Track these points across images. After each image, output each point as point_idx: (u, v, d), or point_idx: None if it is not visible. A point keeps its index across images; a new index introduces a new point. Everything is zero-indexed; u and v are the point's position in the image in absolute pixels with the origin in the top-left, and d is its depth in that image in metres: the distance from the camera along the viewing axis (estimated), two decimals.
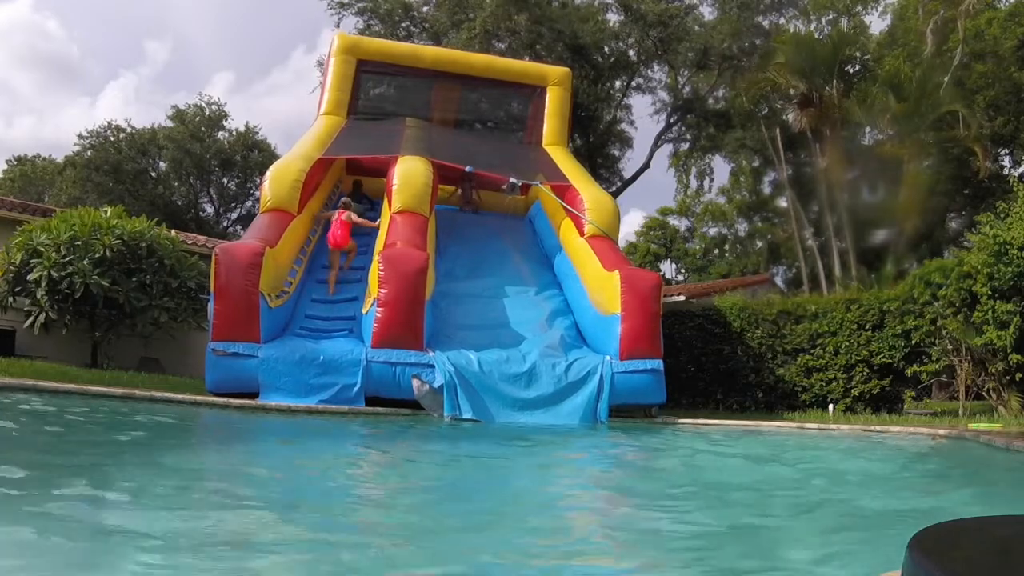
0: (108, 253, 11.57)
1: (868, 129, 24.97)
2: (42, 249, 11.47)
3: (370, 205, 14.54)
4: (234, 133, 37.14)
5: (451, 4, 27.15)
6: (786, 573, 3.02)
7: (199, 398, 8.76)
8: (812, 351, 12.73)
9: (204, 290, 12.06)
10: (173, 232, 13.70)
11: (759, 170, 32.43)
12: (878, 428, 9.37)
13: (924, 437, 8.60)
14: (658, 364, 10.33)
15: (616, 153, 31.02)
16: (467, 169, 14.14)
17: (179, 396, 8.54)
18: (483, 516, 4.04)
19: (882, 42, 27.21)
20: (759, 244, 36.40)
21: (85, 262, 11.38)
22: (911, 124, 21.35)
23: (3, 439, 5.12)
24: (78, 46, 66.00)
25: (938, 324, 11.44)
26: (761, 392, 13.02)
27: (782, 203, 30.40)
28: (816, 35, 26.92)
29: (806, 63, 22.06)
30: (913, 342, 11.81)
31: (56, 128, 61.15)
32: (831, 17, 29.23)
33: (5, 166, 39.58)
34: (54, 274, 11.26)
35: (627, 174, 30.98)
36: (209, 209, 38.12)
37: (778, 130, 25.42)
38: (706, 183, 34.21)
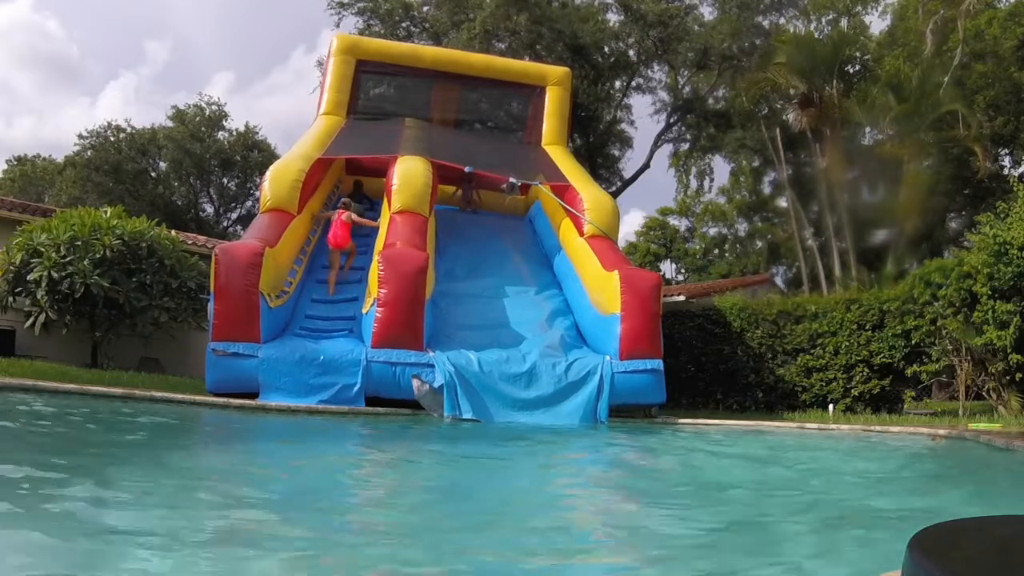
0: (108, 253, 11.57)
1: (868, 129, 24.98)
2: (42, 249, 11.47)
3: (370, 205, 14.54)
4: (234, 133, 37.16)
5: (451, 4, 27.16)
6: (784, 572, 3.02)
7: (199, 398, 8.76)
8: (812, 351, 12.73)
9: (204, 290, 12.06)
10: (173, 232, 13.71)
11: (759, 170, 32.44)
12: (878, 428, 9.38)
13: (924, 437, 8.60)
14: (658, 364, 10.33)
15: (616, 153, 31.06)
16: (467, 169, 14.15)
17: (179, 396, 8.54)
18: (483, 516, 4.04)
19: (882, 42, 27.21)
20: (759, 244, 36.40)
21: (85, 262, 11.38)
22: (911, 124, 21.35)
23: (3, 439, 5.12)
24: (78, 46, 66.05)
25: (938, 324, 11.44)
26: (761, 392, 13.02)
27: (782, 203, 30.42)
28: (816, 35, 26.92)
29: (806, 63, 22.06)
30: (913, 342, 11.82)
31: (56, 128, 61.20)
32: (831, 17, 29.24)
33: (5, 166, 39.63)
34: (54, 274, 11.27)
35: (627, 174, 31.03)
36: (209, 209, 38.15)
37: (778, 130, 25.42)
38: (706, 183, 34.26)
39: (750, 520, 4.12)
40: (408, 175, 12.27)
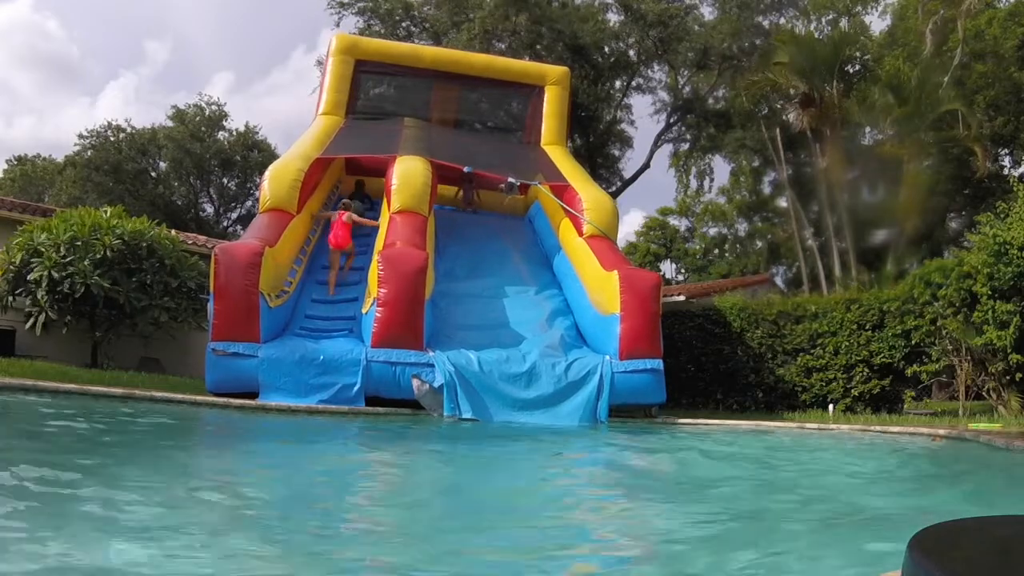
0: (108, 253, 11.57)
1: (868, 129, 24.97)
2: (42, 249, 11.47)
3: (370, 204, 14.55)
4: (234, 133, 37.17)
5: (451, 4, 27.16)
6: (783, 571, 3.02)
7: (199, 398, 8.76)
8: (812, 351, 12.73)
9: (204, 290, 12.06)
10: (173, 232, 13.71)
11: (759, 170, 32.43)
12: (878, 428, 9.37)
13: (924, 437, 8.59)
14: (658, 364, 10.33)
15: (616, 153, 31.06)
16: (466, 169, 14.15)
17: (179, 396, 8.54)
18: (483, 516, 4.04)
19: (882, 42, 27.21)
20: (759, 244, 36.39)
21: (86, 262, 11.38)
22: (911, 124, 21.35)
23: (3, 440, 5.12)
24: (78, 46, 66.05)
25: (938, 324, 11.43)
26: (761, 392, 13.02)
27: (782, 203, 30.40)
28: (816, 35, 26.92)
29: (807, 63, 22.05)
30: (913, 342, 11.81)
31: (56, 128, 61.20)
32: (831, 17, 29.24)
33: (5, 166, 39.63)
34: (54, 274, 11.26)
35: (627, 174, 31.03)
36: (209, 209, 38.15)
37: (778, 130, 25.41)
38: (706, 183, 34.25)
39: (749, 519, 4.12)
40: (407, 175, 12.27)
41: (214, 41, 68.83)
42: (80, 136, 34.82)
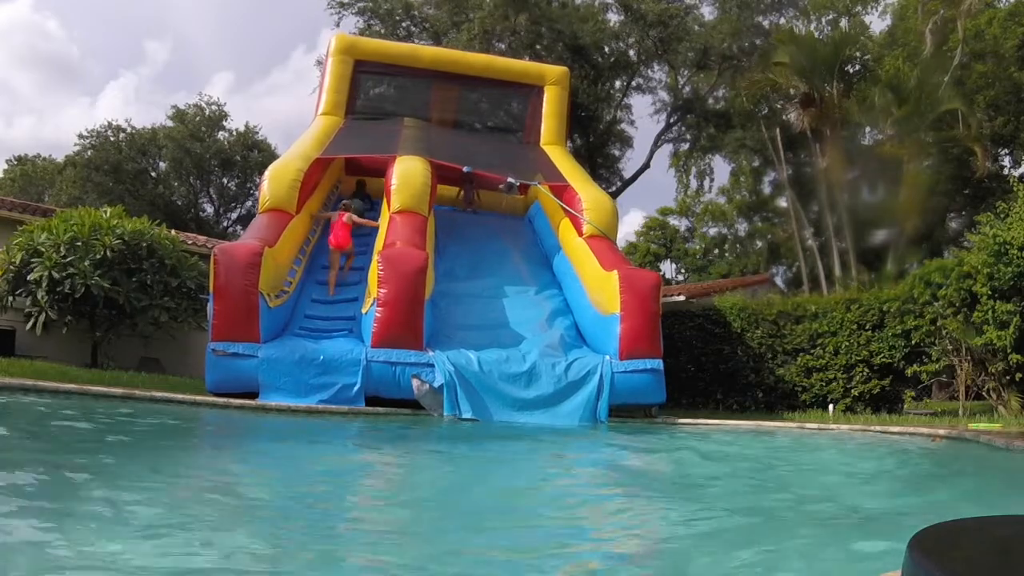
0: (108, 253, 11.57)
1: (868, 129, 24.97)
2: (43, 249, 11.47)
3: (370, 204, 14.55)
4: (234, 133, 37.17)
5: (451, 4, 27.16)
6: (779, 570, 3.02)
7: (199, 398, 8.76)
8: (812, 351, 12.72)
9: (204, 290, 12.06)
10: (173, 232, 13.71)
11: (759, 170, 32.43)
12: (878, 428, 9.37)
13: (924, 437, 8.59)
14: (658, 364, 10.32)
15: (616, 153, 31.06)
16: (465, 169, 14.14)
17: (179, 396, 8.54)
18: (483, 516, 4.04)
19: (882, 42, 27.21)
20: (759, 244, 36.39)
21: (86, 263, 11.37)
22: (911, 124, 21.35)
23: (3, 440, 5.12)
24: (78, 46, 66.05)
25: (938, 324, 11.43)
26: (761, 392, 13.01)
27: (782, 203, 30.40)
28: (816, 35, 26.92)
29: (807, 63, 22.05)
30: (913, 342, 11.81)
31: (56, 128, 61.21)
32: (831, 17, 29.24)
33: (5, 166, 39.64)
34: (55, 274, 11.26)
35: (627, 174, 31.03)
36: (209, 209, 38.16)
37: (778, 130, 25.41)
38: (706, 183, 34.25)
39: (747, 519, 4.12)
40: (407, 175, 12.27)
41: (214, 41, 68.86)
42: (80, 136, 34.87)
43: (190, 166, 35.52)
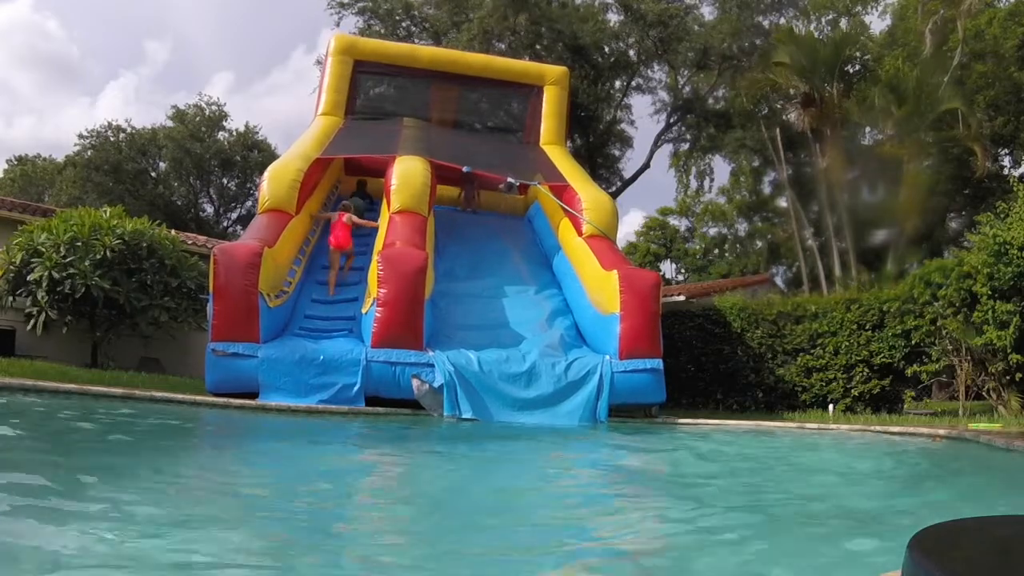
0: (108, 253, 11.57)
1: (868, 129, 24.98)
2: (43, 249, 11.47)
3: (370, 204, 14.55)
4: (234, 133, 37.18)
5: (451, 4, 27.16)
6: (776, 570, 3.02)
7: (199, 398, 8.76)
8: (812, 351, 12.73)
9: (204, 290, 12.06)
10: (173, 232, 13.71)
11: (759, 170, 32.43)
12: (878, 428, 9.37)
13: (924, 437, 8.59)
14: (658, 363, 10.32)
15: (616, 153, 31.07)
16: (465, 169, 14.14)
17: (179, 396, 8.54)
18: (483, 515, 4.04)
19: (882, 42, 27.21)
20: (759, 244, 36.40)
21: (86, 263, 11.38)
22: (911, 124, 21.35)
23: (4, 440, 5.12)
24: (78, 46, 66.09)
25: (938, 324, 11.43)
26: (761, 392, 13.02)
27: (782, 203, 30.41)
28: (816, 35, 26.92)
29: (807, 63, 22.05)
30: (913, 342, 11.81)
31: (56, 128, 61.25)
32: (831, 17, 29.24)
33: (5, 166, 39.67)
34: (55, 274, 11.27)
35: (627, 174, 31.04)
36: (209, 209, 38.17)
37: (778, 130, 25.42)
38: (706, 183, 34.26)
39: (745, 519, 4.12)
40: (407, 175, 12.27)
41: (214, 41, 68.90)
42: (80, 136, 34.90)
43: (190, 166, 35.54)
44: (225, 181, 37.63)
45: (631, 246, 42.26)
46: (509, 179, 13.53)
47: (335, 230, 12.21)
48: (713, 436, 9.05)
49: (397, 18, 28.11)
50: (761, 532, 3.79)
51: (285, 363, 9.47)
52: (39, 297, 11.38)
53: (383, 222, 12.30)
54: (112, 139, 34.89)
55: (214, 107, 37.10)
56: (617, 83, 29.31)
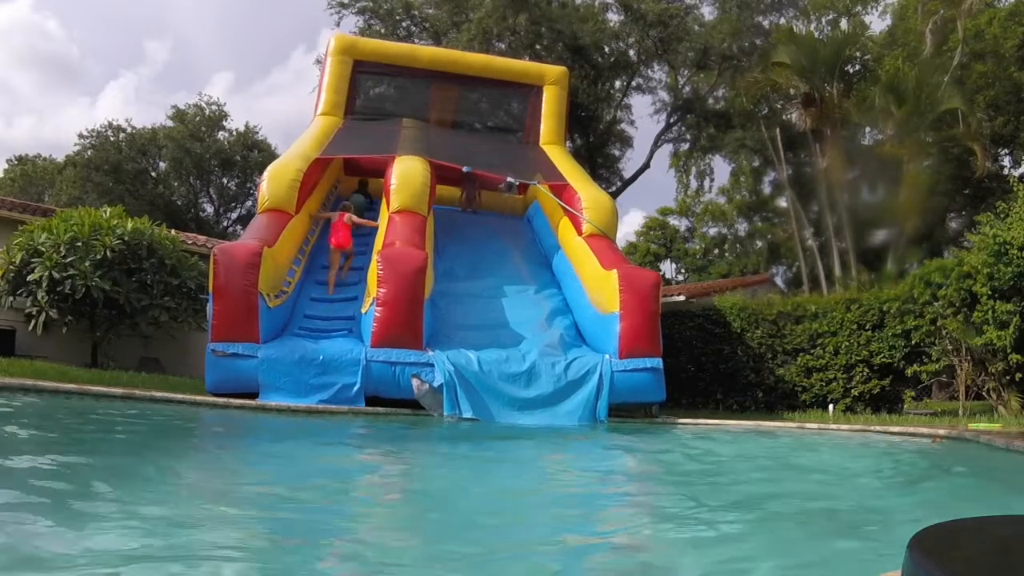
0: (108, 254, 11.57)
1: (868, 129, 24.98)
2: (43, 249, 11.47)
3: (369, 203, 14.55)
4: (234, 133, 37.19)
5: (451, 4, 27.16)
6: (778, 569, 3.02)
7: (199, 398, 8.75)
8: (812, 351, 12.73)
9: (204, 290, 12.06)
10: (173, 232, 13.71)
11: (759, 170, 32.43)
12: (878, 428, 9.37)
13: (924, 437, 8.59)
14: (657, 362, 10.32)
15: (616, 153, 31.06)
16: (465, 169, 14.14)
17: (179, 396, 8.54)
18: (482, 515, 4.04)
19: (882, 42, 27.21)
20: (759, 244, 36.41)
21: (86, 264, 11.38)
22: (911, 124, 21.35)
23: (4, 440, 5.12)
24: (78, 46, 66.12)
25: (938, 324, 11.43)
26: (761, 392, 13.02)
27: (782, 203, 30.41)
28: (816, 35, 26.92)
29: (807, 63, 22.05)
30: (913, 342, 11.81)
31: (56, 128, 61.28)
32: (831, 17, 29.24)
33: (5, 166, 39.69)
34: (55, 274, 11.26)
35: (627, 174, 31.03)
36: (209, 209, 38.18)
37: (778, 130, 25.42)
38: (706, 183, 34.24)
39: (746, 518, 4.12)
40: (406, 175, 12.28)
41: (214, 41, 68.92)
42: (80, 136, 34.91)
43: (190, 166, 35.54)
44: (225, 181, 37.64)
45: (631, 246, 42.27)
46: (509, 179, 13.53)
47: (336, 230, 12.21)
48: (713, 436, 9.05)
49: (397, 18, 28.11)
50: (758, 531, 3.79)
51: (285, 363, 9.47)
52: (39, 297, 11.38)
53: (383, 222, 12.30)
54: (112, 139, 34.90)
55: (214, 107, 37.14)
56: (617, 83, 29.30)
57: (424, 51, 18.00)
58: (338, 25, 27.35)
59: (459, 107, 17.96)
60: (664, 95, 29.84)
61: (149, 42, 66.06)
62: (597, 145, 29.26)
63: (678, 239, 43.48)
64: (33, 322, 11.58)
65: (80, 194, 31.94)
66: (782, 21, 28.56)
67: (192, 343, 13.01)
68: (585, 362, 10.20)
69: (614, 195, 26.86)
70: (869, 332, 12.34)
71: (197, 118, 36.43)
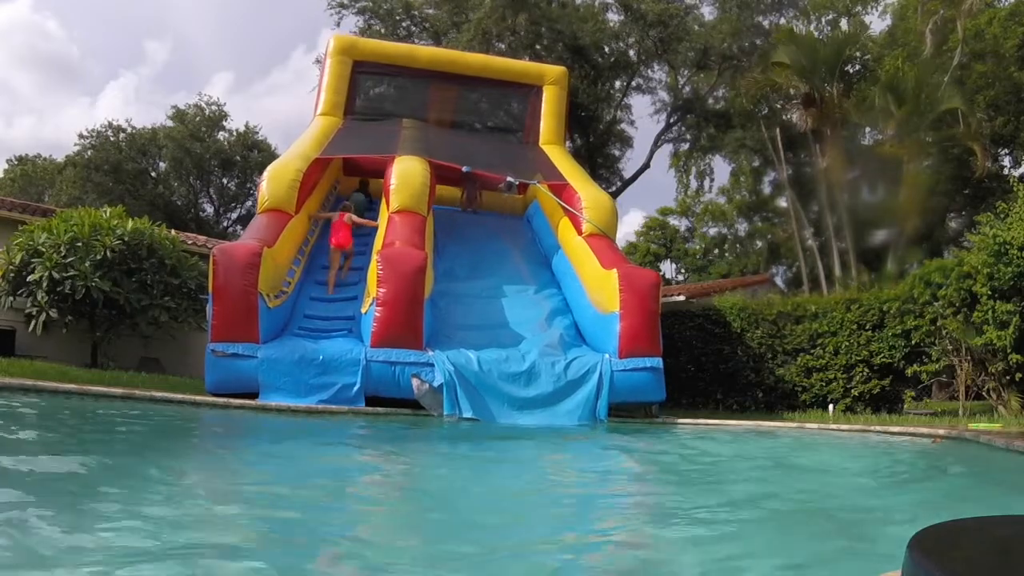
0: (108, 254, 11.57)
1: (868, 129, 24.98)
2: (43, 249, 11.47)
3: (368, 203, 14.55)
4: (234, 133, 37.19)
5: (451, 4, 27.16)
6: (777, 569, 3.02)
7: (199, 398, 8.75)
8: (812, 351, 12.73)
9: (204, 290, 12.05)
10: (173, 232, 13.71)
11: (759, 170, 32.44)
12: (878, 428, 9.37)
13: (924, 437, 8.59)
14: (657, 362, 10.32)
15: (616, 153, 31.06)
16: (464, 169, 14.14)
17: (179, 396, 8.54)
18: (482, 515, 4.04)
19: (882, 42, 27.21)
20: (759, 244, 36.41)
21: (87, 264, 11.37)
22: (911, 124, 21.35)
23: (5, 440, 5.12)
24: (78, 46, 66.11)
25: (938, 324, 11.43)
26: (761, 392, 13.02)
27: (782, 203, 30.42)
28: (816, 35, 26.93)
29: (807, 63, 22.05)
30: (913, 342, 11.81)
31: (56, 128, 61.29)
32: (831, 17, 29.25)
33: (5, 166, 39.68)
34: (55, 275, 11.26)
35: (627, 174, 31.04)
36: (209, 209, 38.18)
37: (778, 130, 25.42)
38: (706, 183, 34.26)
39: (745, 518, 4.12)
40: (406, 175, 12.27)
41: (214, 41, 68.92)
42: (80, 136, 34.91)
43: (190, 166, 35.55)
44: (225, 181, 37.64)
45: (631, 246, 42.27)
46: (508, 178, 13.53)
47: (336, 229, 12.21)
48: (713, 436, 9.04)
49: (397, 18, 28.11)
50: (757, 531, 3.79)
51: (285, 363, 9.47)
52: (39, 297, 11.38)
53: (382, 222, 12.30)
54: (112, 139, 34.91)
55: (214, 107, 37.14)
56: (617, 83, 29.30)
57: (423, 51, 18.00)
58: (338, 25, 27.39)
59: (459, 107, 17.96)
60: (664, 95, 29.88)
61: (149, 42, 66.11)
62: (597, 145, 29.26)
63: (678, 239, 43.49)
64: (33, 322, 11.58)
65: (80, 194, 31.94)
66: (782, 21, 28.59)
67: (192, 343, 13.01)
68: (585, 362, 10.20)
69: (614, 195, 26.86)
70: (869, 332, 12.34)
71: (197, 118, 36.43)
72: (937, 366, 11.50)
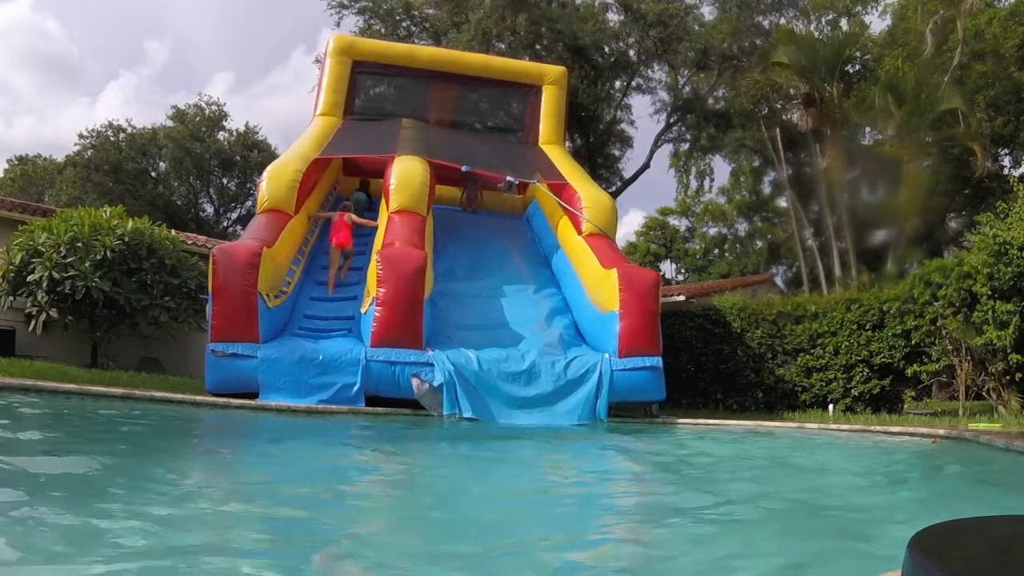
0: (109, 254, 11.57)
1: (868, 129, 24.98)
2: (43, 249, 11.47)
3: (368, 203, 14.55)
4: (234, 133, 37.18)
5: (451, 4, 27.16)
6: (777, 569, 3.02)
7: (199, 398, 8.75)
8: (812, 351, 12.73)
9: (204, 290, 12.05)
10: (173, 232, 13.71)
11: (759, 170, 32.44)
12: (878, 428, 9.37)
13: (924, 437, 8.59)
14: (657, 361, 10.32)
15: (616, 153, 31.07)
16: (464, 169, 14.13)
17: (179, 396, 8.54)
18: (482, 515, 4.04)
19: (882, 42, 27.21)
20: (759, 244, 36.41)
21: (87, 264, 11.37)
22: (911, 124, 21.35)
23: (5, 441, 5.12)
24: (78, 46, 66.11)
25: (938, 324, 11.43)
26: (761, 392, 13.02)
27: (782, 203, 30.42)
28: (816, 35, 26.93)
29: (807, 63, 22.05)
30: (913, 342, 11.81)
31: (56, 128, 61.29)
32: (831, 17, 29.24)
33: (5, 166, 39.69)
34: (55, 274, 11.26)
35: (627, 174, 31.04)
36: (209, 209, 38.18)
37: (778, 130, 25.42)
38: (706, 183, 34.26)
39: (745, 518, 4.12)
40: (405, 175, 12.27)
41: (214, 41, 68.92)
42: (80, 136, 34.90)
43: (190, 166, 35.54)
44: (225, 181, 37.64)
45: (631, 246, 42.27)
46: (508, 178, 13.53)
47: (336, 229, 12.21)
48: (713, 436, 9.04)
49: (397, 18, 28.11)
50: (757, 530, 3.79)
51: (285, 363, 9.47)
52: (39, 297, 11.38)
53: (382, 222, 12.30)
54: (112, 139, 34.90)
55: (214, 107, 37.14)
56: (617, 83, 29.30)
57: (423, 51, 18.00)
58: (338, 25, 27.38)
59: (458, 107, 17.96)
60: (664, 95, 29.89)
61: (149, 42, 66.11)
62: (597, 145, 29.27)
63: (678, 239, 43.49)
64: (33, 322, 11.58)
65: (80, 194, 31.94)
66: (782, 21, 28.59)
67: (192, 343, 13.01)
68: (585, 361, 10.20)
69: (614, 195, 26.86)
70: (869, 332, 12.34)
71: (197, 118, 36.43)
72: (937, 366, 11.50)
